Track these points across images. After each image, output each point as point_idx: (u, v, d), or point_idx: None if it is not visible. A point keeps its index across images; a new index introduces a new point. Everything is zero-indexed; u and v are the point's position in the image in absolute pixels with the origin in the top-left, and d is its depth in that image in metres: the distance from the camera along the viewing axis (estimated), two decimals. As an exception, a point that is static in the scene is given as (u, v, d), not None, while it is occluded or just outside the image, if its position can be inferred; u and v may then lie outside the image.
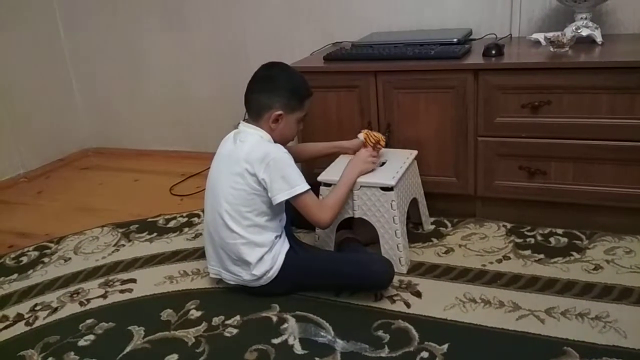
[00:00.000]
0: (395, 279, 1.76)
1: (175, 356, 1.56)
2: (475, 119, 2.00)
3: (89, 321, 1.76)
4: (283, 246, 1.76)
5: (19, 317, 1.82)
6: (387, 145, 2.01)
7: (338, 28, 2.64)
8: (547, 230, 2.03)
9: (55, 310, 1.84)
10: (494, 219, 2.14)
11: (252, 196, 1.69)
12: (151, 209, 2.56)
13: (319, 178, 1.90)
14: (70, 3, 3.25)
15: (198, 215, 2.44)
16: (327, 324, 1.63)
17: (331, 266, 1.76)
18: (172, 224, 2.40)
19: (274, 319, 1.68)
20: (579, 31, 2.05)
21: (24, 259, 2.21)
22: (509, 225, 2.09)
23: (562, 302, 1.63)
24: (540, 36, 2.11)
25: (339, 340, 1.55)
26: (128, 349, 1.60)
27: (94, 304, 1.85)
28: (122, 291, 1.91)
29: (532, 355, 1.44)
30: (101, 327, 1.72)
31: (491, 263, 1.86)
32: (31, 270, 2.11)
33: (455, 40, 2.14)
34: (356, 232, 1.99)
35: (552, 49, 1.97)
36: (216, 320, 1.70)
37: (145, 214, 2.51)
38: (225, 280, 1.82)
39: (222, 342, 1.60)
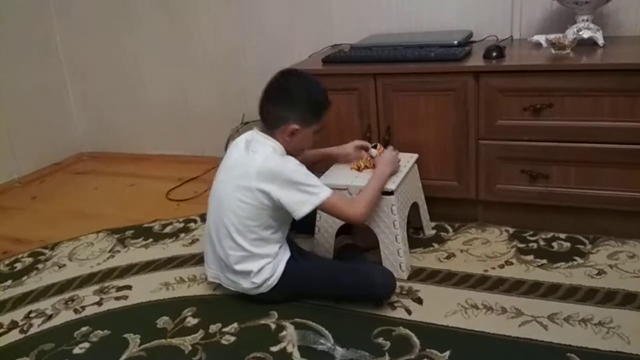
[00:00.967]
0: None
1: (172, 364, 1.54)
2: (476, 122, 1.99)
3: (84, 329, 1.73)
4: (284, 255, 1.74)
5: (13, 325, 1.79)
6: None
7: (337, 30, 2.62)
8: (549, 235, 2.01)
9: (50, 317, 1.81)
10: (495, 223, 2.12)
11: (260, 211, 1.66)
12: (147, 214, 2.53)
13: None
14: (67, 7, 3.23)
15: (195, 221, 2.41)
16: (327, 331, 1.61)
17: (331, 276, 1.73)
18: (168, 229, 2.37)
19: (273, 326, 1.66)
20: (581, 33, 2.04)
21: (18, 265, 2.18)
22: (511, 230, 2.07)
23: (565, 308, 1.61)
24: (541, 38, 2.10)
25: (338, 348, 1.53)
26: (124, 357, 1.58)
27: (89, 311, 1.83)
28: (117, 298, 1.89)
29: (536, 362, 1.43)
30: (96, 334, 1.70)
31: (493, 268, 1.84)
32: (25, 277, 2.09)
33: (455, 42, 2.13)
34: (356, 238, 1.97)
35: (553, 51, 1.96)
36: (213, 328, 1.67)
37: (141, 220, 2.48)
38: (223, 285, 1.79)
39: (220, 350, 1.58)
